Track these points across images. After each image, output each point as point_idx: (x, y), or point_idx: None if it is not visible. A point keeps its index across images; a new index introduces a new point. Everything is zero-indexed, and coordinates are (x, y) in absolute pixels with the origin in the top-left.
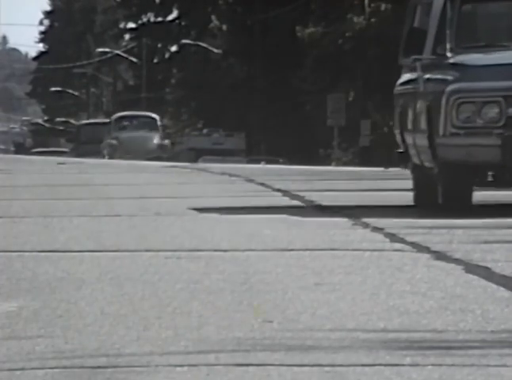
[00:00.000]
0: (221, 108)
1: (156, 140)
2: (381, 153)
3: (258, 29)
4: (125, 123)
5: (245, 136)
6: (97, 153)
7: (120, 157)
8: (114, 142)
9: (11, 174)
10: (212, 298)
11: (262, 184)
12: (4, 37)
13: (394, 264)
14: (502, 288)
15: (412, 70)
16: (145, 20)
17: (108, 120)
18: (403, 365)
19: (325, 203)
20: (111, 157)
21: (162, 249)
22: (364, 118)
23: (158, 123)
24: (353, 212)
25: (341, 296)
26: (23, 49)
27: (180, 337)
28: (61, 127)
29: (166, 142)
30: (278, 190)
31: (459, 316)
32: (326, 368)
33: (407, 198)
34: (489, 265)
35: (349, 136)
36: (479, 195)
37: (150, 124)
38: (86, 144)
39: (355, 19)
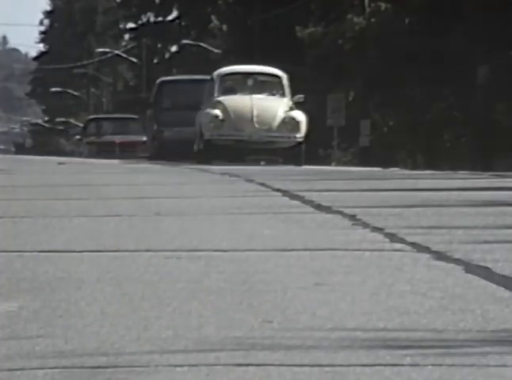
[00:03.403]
0: None
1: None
2: (381, 153)
3: (258, 29)
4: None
5: None
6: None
7: (227, 137)
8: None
9: (11, 174)
10: (212, 298)
11: (262, 184)
12: (4, 37)
13: (394, 264)
14: (502, 288)
15: None
16: (145, 20)
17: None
18: (403, 365)
19: (325, 203)
20: (211, 136)
21: (162, 249)
22: (364, 118)
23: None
24: (353, 212)
25: (341, 296)
26: (23, 49)
27: (180, 337)
28: (61, 128)
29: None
30: (278, 190)
31: (459, 316)
32: (326, 368)
33: (407, 198)
34: (489, 265)
35: (349, 136)
36: (480, 195)
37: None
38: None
39: (355, 19)
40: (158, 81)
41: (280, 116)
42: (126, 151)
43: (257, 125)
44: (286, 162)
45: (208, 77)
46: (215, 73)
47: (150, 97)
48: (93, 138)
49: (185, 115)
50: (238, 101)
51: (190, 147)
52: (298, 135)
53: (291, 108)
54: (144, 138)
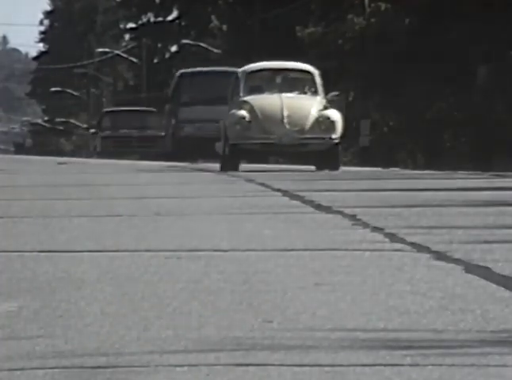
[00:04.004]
0: None
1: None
2: (381, 153)
3: (258, 29)
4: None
5: None
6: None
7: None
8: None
9: (11, 174)
10: (212, 298)
11: (262, 184)
12: (4, 37)
13: (394, 264)
14: (502, 288)
15: None
16: (145, 20)
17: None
18: (403, 365)
19: (325, 203)
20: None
21: (162, 249)
22: (365, 118)
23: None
24: (353, 212)
25: (341, 296)
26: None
27: (180, 337)
28: (61, 127)
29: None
30: (278, 190)
31: (459, 316)
32: (326, 368)
33: (407, 198)
34: (489, 265)
35: (349, 136)
36: (480, 195)
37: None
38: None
39: (355, 19)
40: (178, 73)
41: (313, 116)
42: (144, 146)
43: (288, 126)
44: (320, 167)
45: (231, 69)
46: (241, 70)
47: (169, 91)
48: (108, 133)
49: (206, 111)
50: (267, 101)
51: (211, 145)
52: (334, 136)
53: (325, 107)
54: (163, 133)
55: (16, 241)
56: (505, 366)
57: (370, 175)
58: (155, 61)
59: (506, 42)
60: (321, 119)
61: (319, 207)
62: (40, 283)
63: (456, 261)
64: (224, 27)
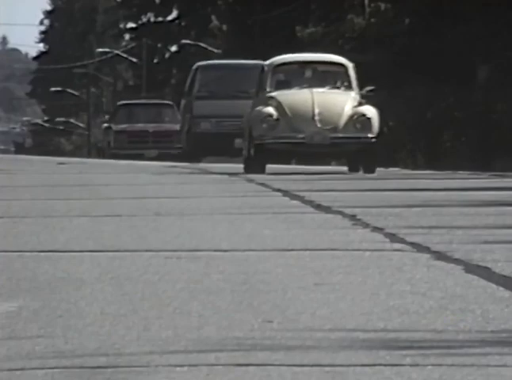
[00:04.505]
0: None
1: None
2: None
3: (258, 29)
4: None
5: None
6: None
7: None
8: (270, 110)
9: (11, 174)
10: (212, 298)
11: (262, 184)
12: (4, 37)
13: (394, 264)
14: (502, 288)
15: None
16: (145, 20)
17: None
18: (403, 365)
19: (325, 203)
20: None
21: (162, 249)
22: None
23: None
24: (353, 212)
25: (341, 296)
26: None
27: (180, 337)
28: (61, 127)
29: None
30: (278, 190)
31: (459, 316)
32: (326, 368)
33: (407, 198)
34: (489, 265)
35: None
36: (480, 195)
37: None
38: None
39: (355, 19)
40: (195, 66)
41: (347, 113)
42: (161, 142)
43: (319, 124)
44: (354, 168)
45: (251, 61)
46: (267, 63)
47: (186, 84)
48: (123, 127)
49: (224, 105)
50: (296, 96)
51: (230, 142)
52: (370, 135)
53: (360, 103)
54: (179, 128)
55: (16, 241)
56: (505, 366)
57: (370, 175)
58: (155, 61)
59: (506, 42)
60: (356, 116)
61: (318, 207)
62: (40, 283)
63: (456, 261)
64: (224, 27)
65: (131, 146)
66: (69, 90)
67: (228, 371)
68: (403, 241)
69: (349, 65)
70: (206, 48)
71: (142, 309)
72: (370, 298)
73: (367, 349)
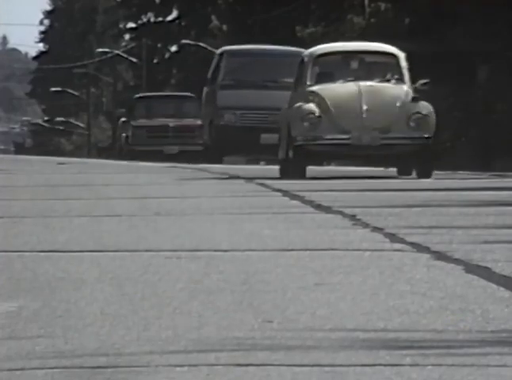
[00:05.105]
0: None
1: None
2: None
3: (258, 29)
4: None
5: None
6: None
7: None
8: (312, 107)
9: (11, 174)
10: (212, 298)
11: (262, 184)
12: (4, 37)
13: (394, 264)
14: (502, 288)
15: None
16: (145, 20)
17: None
18: (403, 365)
19: (325, 203)
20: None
21: (162, 249)
22: None
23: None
24: (353, 212)
25: (341, 296)
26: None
27: (180, 337)
28: (61, 127)
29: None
30: (278, 190)
31: (459, 316)
32: (326, 368)
33: (407, 198)
34: (489, 265)
35: None
36: (480, 195)
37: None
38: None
39: (355, 19)
40: (220, 50)
41: (399, 110)
42: (182, 137)
43: (367, 123)
44: (405, 172)
45: (283, 47)
46: (307, 52)
47: (208, 72)
48: (142, 121)
49: (251, 96)
50: (341, 91)
51: (256, 137)
52: (426, 135)
53: (413, 98)
54: (201, 122)
55: (16, 241)
56: (505, 366)
57: (370, 175)
58: (155, 61)
59: (506, 42)
60: (409, 113)
61: (318, 207)
62: (40, 283)
63: (456, 261)
64: (224, 27)
65: (151, 142)
66: (69, 90)
67: (228, 371)
68: (403, 241)
69: (401, 55)
70: (206, 48)
71: (142, 310)
72: (370, 298)
73: (367, 349)
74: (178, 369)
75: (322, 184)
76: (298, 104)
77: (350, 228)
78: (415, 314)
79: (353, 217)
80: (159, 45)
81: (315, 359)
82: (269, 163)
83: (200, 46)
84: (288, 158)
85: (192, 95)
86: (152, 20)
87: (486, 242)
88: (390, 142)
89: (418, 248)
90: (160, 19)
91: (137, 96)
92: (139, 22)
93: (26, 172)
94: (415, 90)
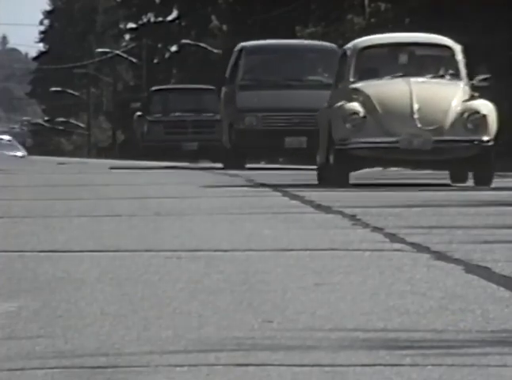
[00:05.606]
0: None
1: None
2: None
3: (258, 29)
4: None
5: None
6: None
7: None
8: (355, 106)
9: (11, 174)
10: (212, 298)
11: (262, 185)
12: (4, 37)
13: (394, 264)
14: (502, 288)
15: None
16: (145, 20)
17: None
18: (403, 365)
19: (325, 203)
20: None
21: (162, 249)
22: None
23: (460, 57)
24: (353, 212)
25: (341, 296)
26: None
27: (180, 337)
28: (61, 127)
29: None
30: (278, 190)
31: (459, 316)
32: (326, 368)
33: (407, 198)
34: (489, 265)
35: None
36: (476, 195)
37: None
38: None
39: (355, 19)
40: (238, 46)
41: (455, 109)
42: (201, 133)
43: (419, 124)
44: (460, 178)
45: (310, 41)
46: (350, 45)
47: (226, 70)
48: (158, 116)
49: (273, 96)
50: (388, 88)
51: (280, 141)
52: (485, 137)
53: (471, 97)
54: (219, 118)
55: (16, 241)
56: (505, 366)
57: (370, 175)
58: (155, 61)
59: (506, 42)
60: (466, 113)
61: (318, 207)
62: (40, 283)
63: (456, 261)
64: (224, 27)
65: (168, 138)
66: (69, 90)
67: (228, 371)
68: (403, 241)
69: (457, 47)
70: (206, 48)
71: (142, 310)
72: (370, 298)
73: (367, 349)
74: (178, 369)
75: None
76: (339, 104)
77: (350, 228)
78: (415, 314)
79: (353, 217)
80: (159, 45)
81: (315, 359)
82: (268, 162)
83: (200, 46)
84: (329, 163)
85: (212, 87)
86: (152, 20)
87: (486, 242)
88: (444, 146)
89: (418, 248)
90: (160, 19)
91: (153, 89)
92: (139, 22)
93: (26, 172)
94: (473, 87)
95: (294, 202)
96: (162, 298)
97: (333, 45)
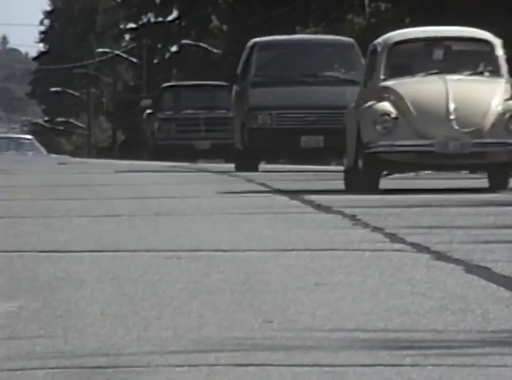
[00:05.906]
0: None
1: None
2: None
3: (258, 29)
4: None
5: None
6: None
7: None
8: (386, 106)
9: (11, 174)
10: (212, 298)
11: (262, 184)
12: (4, 37)
13: (394, 264)
14: (502, 288)
15: None
16: (145, 20)
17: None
18: (403, 365)
19: (325, 203)
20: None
21: (162, 249)
22: None
23: (500, 53)
24: (353, 212)
25: (341, 296)
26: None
27: (180, 337)
28: (61, 127)
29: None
30: (278, 190)
31: (459, 316)
32: (326, 368)
33: (408, 198)
34: (489, 265)
35: None
36: (476, 195)
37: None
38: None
39: (355, 19)
40: (250, 42)
41: (495, 110)
42: (214, 131)
43: (456, 126)
44: (498, 184)
45: (326, 36)
46: (380, 40)
47: (239, 66)
48: (169, 114)
49: (288, 93)
50: (422, 87)
51: (296, 140)
52: None
53: None
54: (231, 116)
55: (16, 241)
56: (505, 366)
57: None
58: (155, 61)
59: (505, 42)
60: (508, 114)
61: (318, 207)
62: (40, 283)
63: (456, 261)
64: (224, 27)
65: (180, 136)
66: (69, 90)
67: (228, 371)
68: (403, 241)
69: (497, 41)
70: (206, 48)
71: (142, 310)
72: (370, 298)
73: (367, 349)
74: (178, 369)
75: (322, 183)
76: (369, 103)
77: (350, 228)
78: (415, 314)
79: (353, 217)
80: (159, 45)
81: (315, 359)
82: (268, 162)
83: (200, 46)
84: (357, 168)
85: (225, 84)
86: (152, 20)
87: (486, 242)
88: (483, 150)
89: (418, 248)
90: (160, 19)
91: (164, 85)
92: (140, 22)
93: (26, 172)
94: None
95: (294, 202)
96: (162, 298)
97: (350, 39)
